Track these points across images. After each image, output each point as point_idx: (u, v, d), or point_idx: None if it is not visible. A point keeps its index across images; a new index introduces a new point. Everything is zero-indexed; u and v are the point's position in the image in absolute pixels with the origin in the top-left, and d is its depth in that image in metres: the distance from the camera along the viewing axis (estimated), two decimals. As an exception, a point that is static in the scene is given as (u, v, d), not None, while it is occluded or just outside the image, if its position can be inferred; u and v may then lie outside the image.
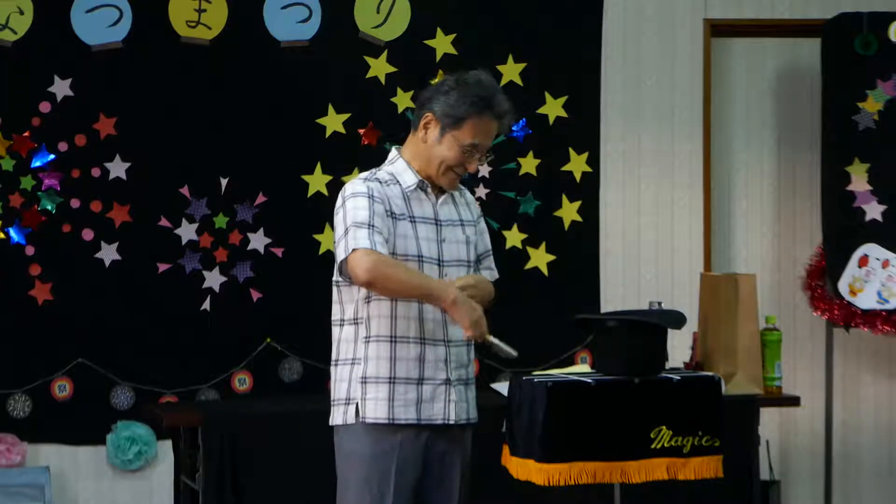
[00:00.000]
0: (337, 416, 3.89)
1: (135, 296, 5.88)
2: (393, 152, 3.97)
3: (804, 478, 6.41)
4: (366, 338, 3.85)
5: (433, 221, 3.90)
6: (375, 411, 3.82)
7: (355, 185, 3.85)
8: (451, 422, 3.86)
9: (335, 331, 3.92)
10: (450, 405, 3.87)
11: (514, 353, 3.85)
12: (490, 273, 4.07)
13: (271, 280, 5.98)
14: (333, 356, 3.92)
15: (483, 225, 4.08)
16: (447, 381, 3.87)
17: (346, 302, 3.89)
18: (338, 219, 3.83)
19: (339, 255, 3.80)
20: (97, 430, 5.85)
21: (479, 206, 4.12)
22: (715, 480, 4.35)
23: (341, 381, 3.88)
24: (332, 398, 3.92)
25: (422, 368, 3.84)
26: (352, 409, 3.84)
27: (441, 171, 3.88)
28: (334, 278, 3.89)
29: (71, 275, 5.84)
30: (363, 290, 3.83)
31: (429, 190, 3.92)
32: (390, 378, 3.82)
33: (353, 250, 3.72)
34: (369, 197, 3.81)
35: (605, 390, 4.29)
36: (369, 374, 3.83)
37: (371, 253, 3.71)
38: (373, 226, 3.76)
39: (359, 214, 3.77)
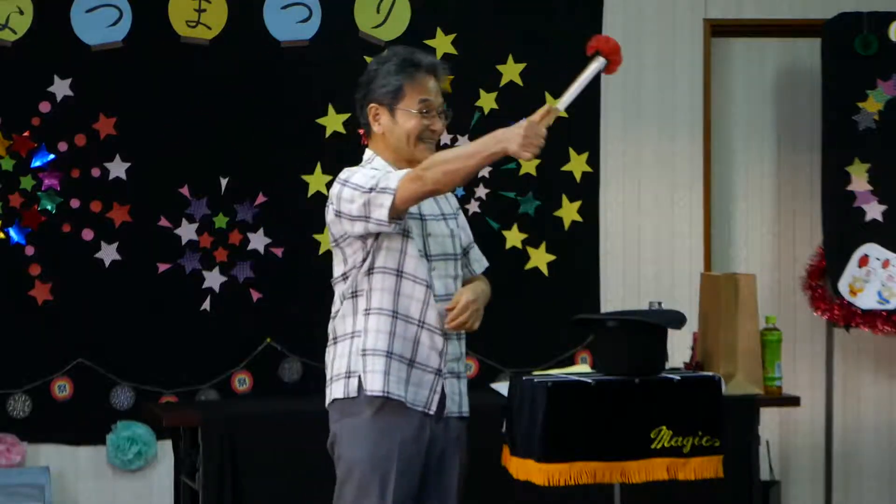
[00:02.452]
0: (337, 390, 3.83)
1: (135, 296, 5.87)
2: (368, 153, 3.95)
3: (804, 478, 6.41)
4: (366, 310, 3.82)
5: (417, 217, 3.87)
6: (373, 383, 3.78)
7: (350, 169, 3.84)
8: (431, 412, 3.82)
9: (335, 307, 3.89)
10: (434, 396, 3.83)
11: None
12: (479, 264, 4.07)
13: (271, 280, 5.98)
14: (331, 335, 3.89)
15: (462, 217, 4.07)
16: (437, 372, 3.84)
17: (348, 276, 3.85)
18: (346, 194, 3.76)
19: (374, 211, 3.71)
20: (97, 430, 5.84)
21: (456, 199, 4.08)
22: (715, 480, 4.35)
23: (341, 357, 3.84)
24: (329, 376, 3.88)
25: (415, 350, 3.81)
26: (354, 381, 3.81)
27: (413, 146, 3.85)
28: (342, 258, 3.86)
29: (71, 275, 5.84)
30: (366, 263, 3.81)
31: None
32: (388, 352, 3.79)
33: (393, 190, 3.67)
34: (372, 168, 3.81)
35: (605, 390, 4.29)
36: (368, 347, 3.81)
37: (406, 176, 3.68)
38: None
39: (366, 178, 3.73)
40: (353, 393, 3.81)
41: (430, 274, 3.83)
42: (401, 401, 3.78)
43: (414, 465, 3.81)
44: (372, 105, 3.88)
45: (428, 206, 3.90)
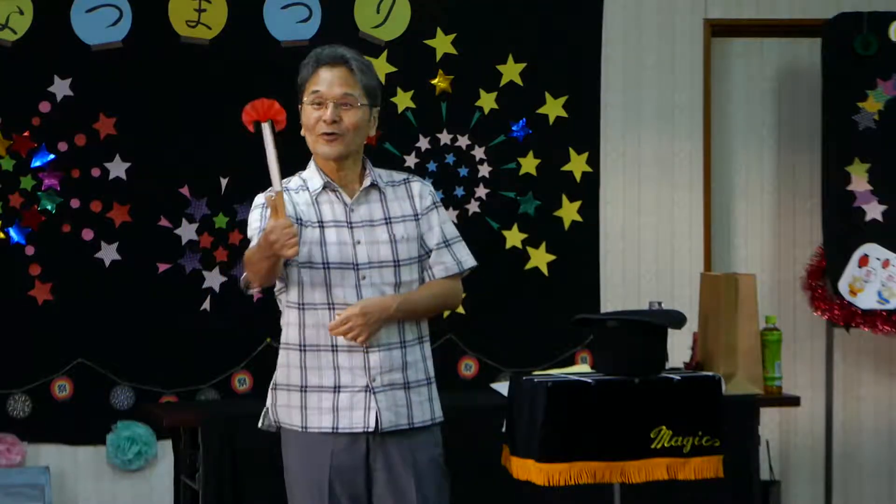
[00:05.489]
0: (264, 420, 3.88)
1: (135, 296, 5.87)
2: (311, 160, 3.93)
3: (804, 478, 6.41)
4: (284, 344, 3.81)
5: (345, 224, 3.78)
6: (290, 418, 3.77)
7: (257, 197, 3.89)
8: (371, 430, 3.72)
9: None
10: (370, 413, 3.72)
11: None
12: (442, 268, 3.81)
13: (271, 280, 5.97)
14: None
15: (434, 217, 3.83)
16: (367, 389, 3.72)
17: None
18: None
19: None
20: (97, 430, 5.85)
21: (431, 197, 3.87)
22: (715, 480, 4.35)
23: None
24: None
25: (337, 376, 3.74)
26: (270, 415, 3.83)
27: (314, 141, 3.84)
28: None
29: (71, 275, 5.84)
30: (280, 299, 3.84)
31: (339, 191, 3.81)
32: (301, 386, 3.76)
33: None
34: (260, 206, 3.85)
35: (605, 390, 4.29)
36: (280, 382, 3.80)
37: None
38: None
39: (250, 230, 3.86)
40: (272, 426, 3.84)
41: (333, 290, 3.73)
42: (314, 431, 3.73)
43: (349, 476, 3.74)
44: (300, 107, 3.87)
45: (362, 213, 3.79)
